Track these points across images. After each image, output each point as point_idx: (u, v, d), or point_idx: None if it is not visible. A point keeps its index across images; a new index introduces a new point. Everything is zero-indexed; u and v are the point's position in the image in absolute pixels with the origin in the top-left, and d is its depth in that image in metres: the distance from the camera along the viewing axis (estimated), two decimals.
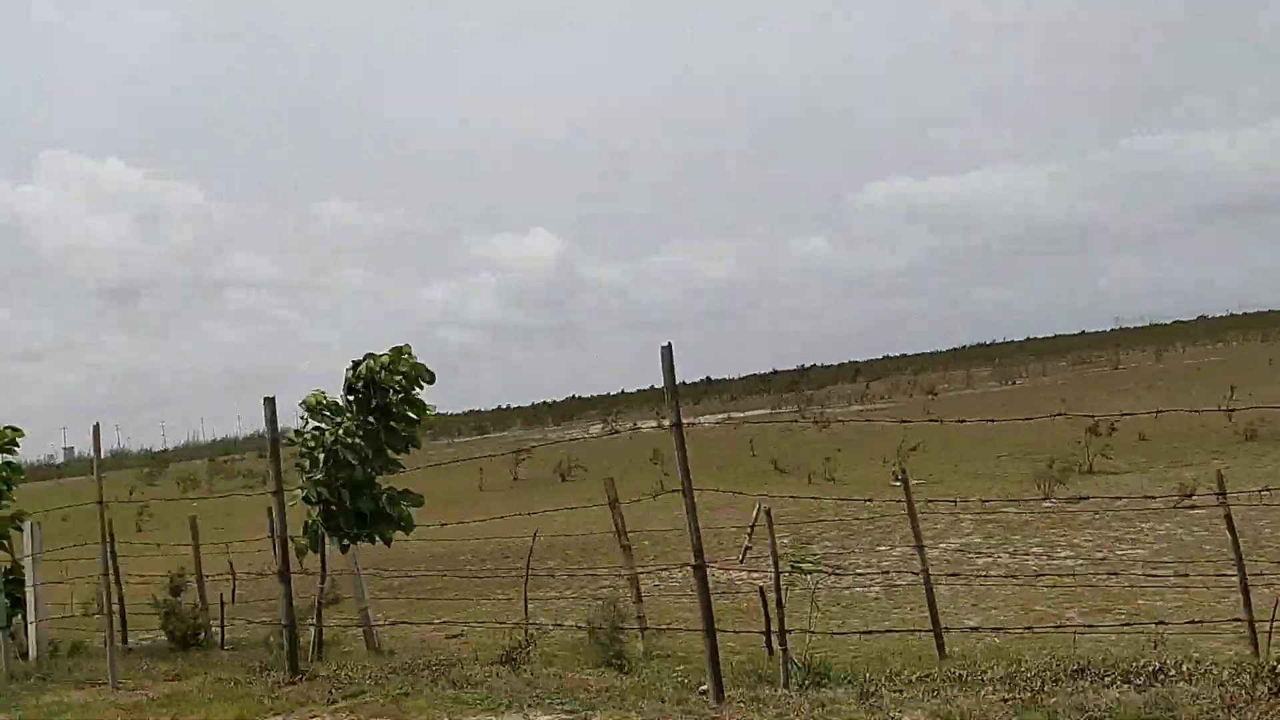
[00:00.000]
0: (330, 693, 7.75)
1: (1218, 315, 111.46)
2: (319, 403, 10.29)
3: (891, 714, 5.95)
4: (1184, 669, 6.45)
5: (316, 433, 10.28)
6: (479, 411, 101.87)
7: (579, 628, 9.94)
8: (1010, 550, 16.22)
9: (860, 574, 14.68)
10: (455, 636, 12.73)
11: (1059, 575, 13.52)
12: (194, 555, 14.93)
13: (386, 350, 10.13)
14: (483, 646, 11.55)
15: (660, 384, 6.56)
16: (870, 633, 10.48)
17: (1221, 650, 8.86)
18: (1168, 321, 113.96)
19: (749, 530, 17.80)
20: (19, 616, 10.93)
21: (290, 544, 10.97)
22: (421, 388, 10.17)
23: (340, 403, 10.29)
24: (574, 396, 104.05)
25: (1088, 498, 16.68)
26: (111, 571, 10.23)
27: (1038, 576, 13.21)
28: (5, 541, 13.33)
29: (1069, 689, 6.18)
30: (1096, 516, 17.30)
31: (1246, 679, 5.72)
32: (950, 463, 29.41)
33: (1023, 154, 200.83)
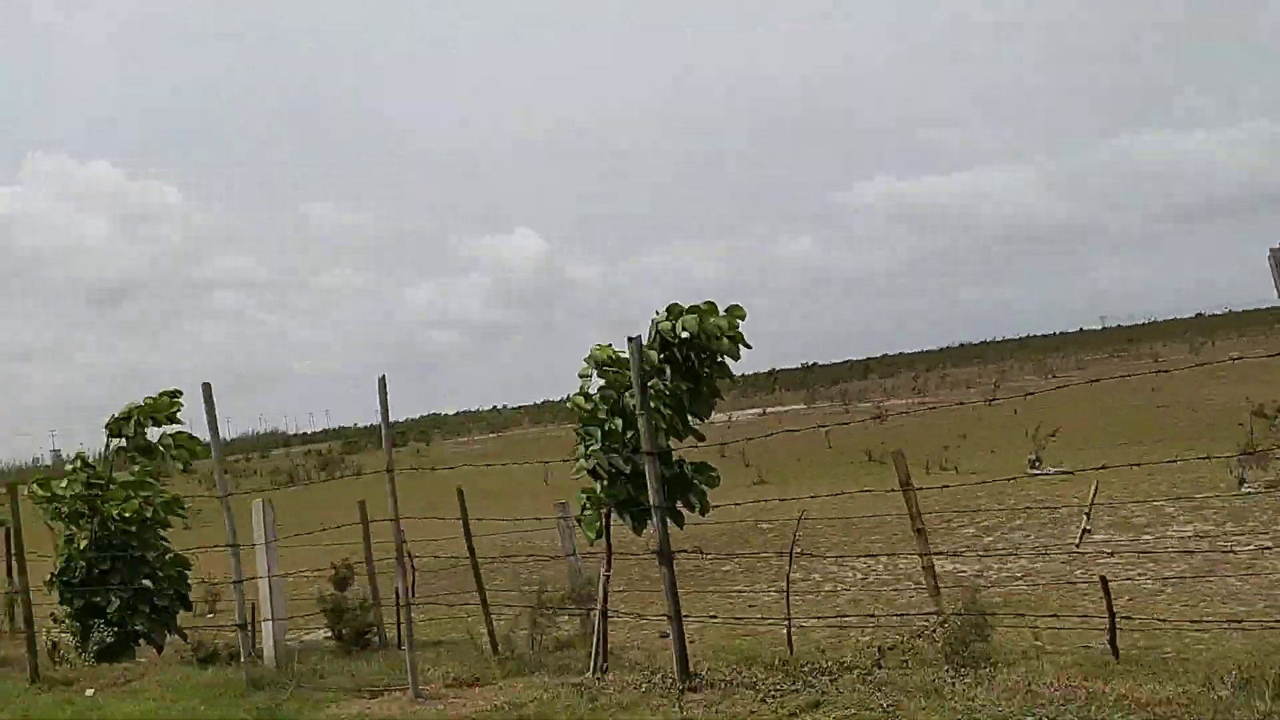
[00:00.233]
0: (757, 704, 6.18)
1: (1215, 313, 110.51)
2: (611, 359, 8.68)
3: None
4: None
5: (607, 393, 8.68)
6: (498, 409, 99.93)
7: (925, 621, 8.38)
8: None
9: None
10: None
11: None
12: (364, 544, 13.28)
13: (700, 302, 8.54)
14: (761, 645, 10.01)
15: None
16: None
17: None
18: (1159, 320, 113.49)
19: (1086, 512, 16.18)
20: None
21: (578, 526, 9.42)
22: (738, 355, 8.56)
23: (633, 359, 8.67)
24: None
25: None
26: (406, 554, 8.53)
27: None
28: (161, 530, 11.68)
29: None
30: None
31: None
32: (1093, 448, 27.52)
33: (1023, 153, 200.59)
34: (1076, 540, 15.30)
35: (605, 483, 8.77)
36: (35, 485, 11.39)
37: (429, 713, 6.88)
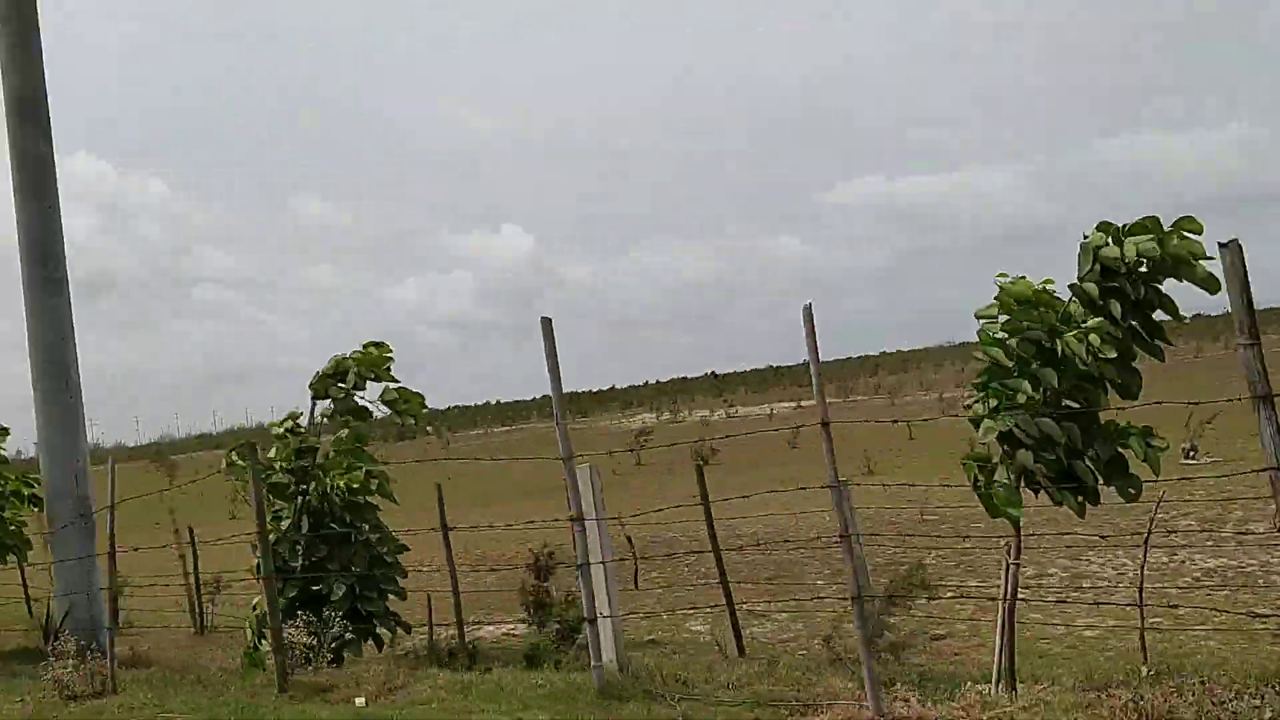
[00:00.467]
0: None
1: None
2: (1041, 292, 7.00)
3: None
4: None
5: (1033, 334, 6.99)
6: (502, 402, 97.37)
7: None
8: None
9: None
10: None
11: None
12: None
13: (1143, 219, 6.88)
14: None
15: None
16: None
17: None
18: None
19: None
20: None
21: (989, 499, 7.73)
22: (1217, 287, 6.86)
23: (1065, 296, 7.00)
24: (614, 387, 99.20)
25: None
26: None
27: None
28: (366, 512, 9.99)
29: None
30: None
31: None
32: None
33: (1022, 153, 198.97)
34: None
35: (1028, 450, 7.09)
36: (234, 454, 9.68)
37: None
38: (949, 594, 10.82)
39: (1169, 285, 6.95)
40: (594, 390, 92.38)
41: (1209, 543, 13.04)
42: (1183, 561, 12.70)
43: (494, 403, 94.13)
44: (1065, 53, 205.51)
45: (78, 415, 12.36)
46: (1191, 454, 22.35)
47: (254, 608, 9.70)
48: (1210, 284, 6.79)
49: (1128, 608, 8.90)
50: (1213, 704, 5.32)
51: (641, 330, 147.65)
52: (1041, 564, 12.99)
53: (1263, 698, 5.31)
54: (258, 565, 9.72)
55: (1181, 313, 7.24)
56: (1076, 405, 7.32)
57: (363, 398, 9.92)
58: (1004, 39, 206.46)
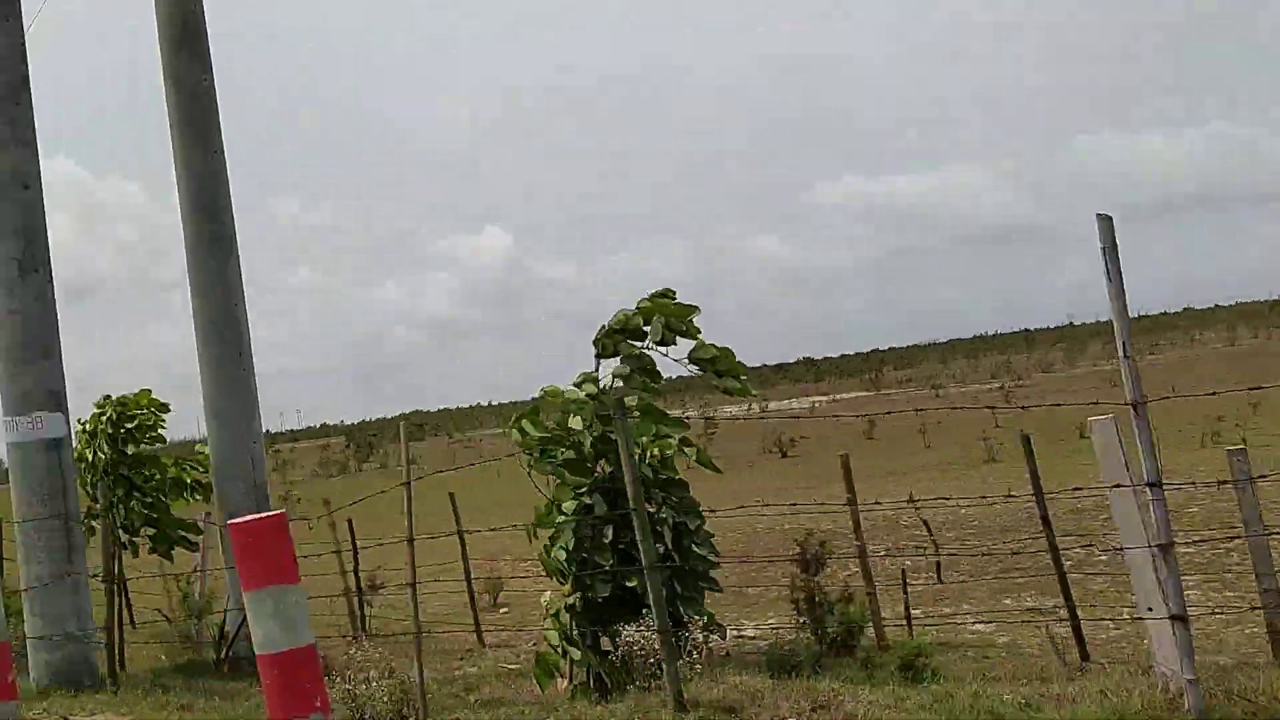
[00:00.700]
0: None
1: (1203, 307, 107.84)
2: None
3: None
4: None
5: None
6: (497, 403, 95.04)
7: None
8: None
9: None
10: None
11: None
12: (852, 519, 10.01)
13: None
14: None
15: None
16: None
17: None
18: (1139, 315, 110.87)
19: None
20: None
21: None
22: None
23: None
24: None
25: None
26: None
27: None
28: (676, 488, 8.30)
29: None
30: None
31: None
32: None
33: (1022, 152, 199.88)
34: None
35: None
36: (526, 421, 7.97)
37: None
38: None
39: None
40: None
41: None
42: None
43: (488, 404, 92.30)
44: (1065, 52, 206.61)
45: (251, 389, 10.58)
46: None
47: (546, 606, 8.01)
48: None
49: None
50: None
51: None
52: None
53: None
54: (544, 555, 8.06)
55: None
56: None
57: (664, 354, 8.24)
58: (1004, 39, 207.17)
